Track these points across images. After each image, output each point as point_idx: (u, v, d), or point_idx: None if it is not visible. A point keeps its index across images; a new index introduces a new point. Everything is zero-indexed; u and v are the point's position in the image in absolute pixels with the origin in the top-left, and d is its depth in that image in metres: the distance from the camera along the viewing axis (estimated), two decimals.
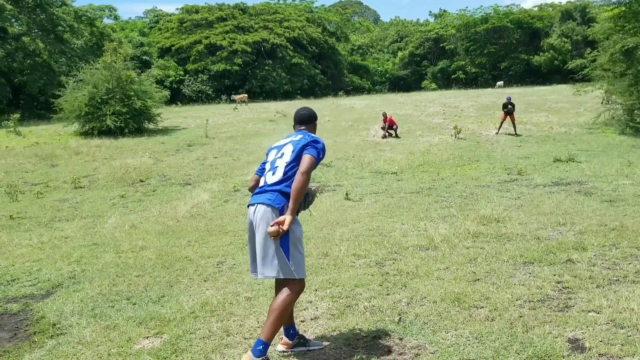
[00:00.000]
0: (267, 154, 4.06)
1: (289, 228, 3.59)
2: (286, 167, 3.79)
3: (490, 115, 24.69)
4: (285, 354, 3.97)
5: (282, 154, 3.88)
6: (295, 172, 3.71)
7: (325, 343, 4.06)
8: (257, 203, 3.74)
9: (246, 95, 42.12)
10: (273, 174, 3.82)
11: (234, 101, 40.41)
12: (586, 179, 10.67)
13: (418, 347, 3.90)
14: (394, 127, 19.91)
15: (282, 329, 3.95)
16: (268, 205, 3.68)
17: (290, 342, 4.01)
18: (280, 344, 4.02)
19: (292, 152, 3.83)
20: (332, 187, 11.45)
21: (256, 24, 56.86)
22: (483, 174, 12.00)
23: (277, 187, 3.74)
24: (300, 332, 4.13)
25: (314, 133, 4.11)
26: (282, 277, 3.67)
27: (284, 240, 3.64)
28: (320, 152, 3.82)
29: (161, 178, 13.69)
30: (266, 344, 3.62)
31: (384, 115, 20.23)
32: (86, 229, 8.75)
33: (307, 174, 3.66)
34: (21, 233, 8.62)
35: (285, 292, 3.68)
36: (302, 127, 4.10)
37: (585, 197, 8.91)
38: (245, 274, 5.86)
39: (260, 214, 3.69)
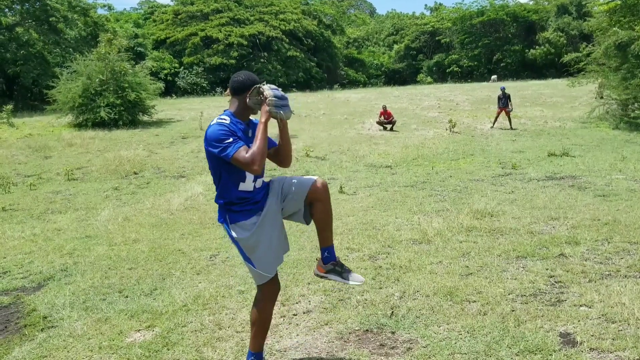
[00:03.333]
0: None
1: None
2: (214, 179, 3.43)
3: (485, 109, 24.70)
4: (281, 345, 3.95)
5: None
6: (219, 183, 3.36)
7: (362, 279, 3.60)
8: None
9: None
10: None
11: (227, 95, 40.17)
12: (580, 173, 10.68)
13: (410, 341, 3.90)
14: (392, 119, 19.91)
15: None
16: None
17: (324, 266, 3.59)
18: (316, 267, 3.65)
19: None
20: (326, 180, 11.43)
21: (252, 16, 56.56)
22: (477, 168, 12.00)
23: (218, 200, 3.45)
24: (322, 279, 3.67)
25: (247, 108, 3.40)
26: (258, 283, 3.48)
27: (241, 252, 3.45)
28: (219, 148, 3.19)
29: (155, 170, 13.63)
30: (257, 354, 3.51)
31: (383, 107, 20.23)
32: (79, 221, 8.70)
33: (248, 164, 3.14)
34: (13, 225, 8.57)
35: (256, 300, 3.48)
36: (234, 98, 3.43)
37: (579, 192, 8.92)
38: (238, 267, 5.84)
39: None
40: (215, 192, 3.46)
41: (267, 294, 3.46)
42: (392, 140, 17.33)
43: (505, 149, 14.85)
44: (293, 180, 3.50)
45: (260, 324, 3.45)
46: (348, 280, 3.55)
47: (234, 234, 3.39)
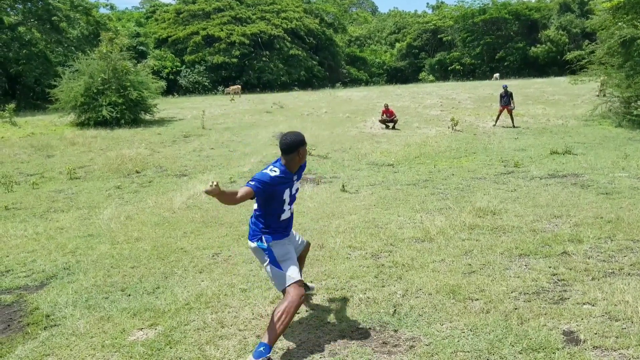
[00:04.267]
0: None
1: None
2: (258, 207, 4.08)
3: (487, 107, 24.67)
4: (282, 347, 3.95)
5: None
6: (263, 213, 3.98)
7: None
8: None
9: (239, 86, 41.10)
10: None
11: (227, 94, 40.32)
12: (582, 171, 10.66)
13: (413, 339, 3.89)
14: (394, 118, 19.87)
15: None
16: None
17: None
18: None
19: None
20: (328, 178, 11.43)
21: (253, 14, 56.59)
22: (480, 166, 11.98)
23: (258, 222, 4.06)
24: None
25: (294, 163, 3.98)
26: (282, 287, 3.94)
27: (272, 259, 3.94)
28: (256, 181, 3.77)
29: (157, 169, 13.64)
30: (267, 346, 3.62)
31: (385, 106, 20.20)
32: (81, 219, 8.71)
33: (241, 199, 3.69)
34: (16, 224, 8.58)
35: (288, 297, 3.77)
36: (283, 156, 4.00)
37: (582, 190, 8.89)
38: (240, 265, 5.85)
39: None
40: (256, 215, 4.03)
41: (298, 295, 3.80)
42: (394, 139, 17.31)
43: (508, 147, 14.82)
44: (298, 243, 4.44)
45: (286, 322, 3.70)
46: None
47: (267, 245, 3.97)
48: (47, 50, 37.26)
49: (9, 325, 4.65)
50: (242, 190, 3.69)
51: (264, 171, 3.88)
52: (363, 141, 16.95)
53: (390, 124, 19.91)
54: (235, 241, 6.89)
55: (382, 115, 20.09)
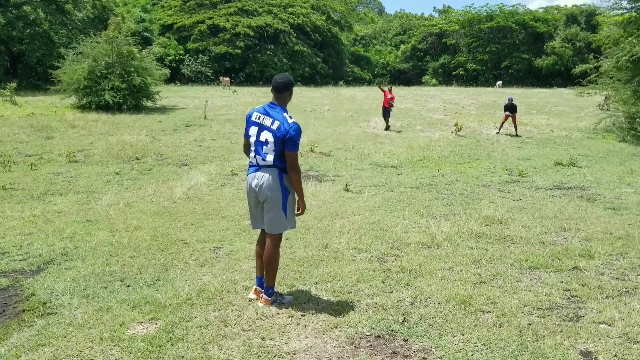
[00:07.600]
0: (248, 124, 4.59)
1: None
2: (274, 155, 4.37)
3: (490, 114, 24.55)
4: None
5: (266, 141, 4.36)
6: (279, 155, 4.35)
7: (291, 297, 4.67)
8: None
9: (228, 79, 42.98)
10: (263, 159, 4.39)
11: (219, 82, 43.10)
12: (588, 184, 10.55)
13: (424, 350, 3.75)
14: (391, 101, 19.51)
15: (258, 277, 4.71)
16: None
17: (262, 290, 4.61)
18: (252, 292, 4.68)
19: (273, 142, 4.33)
20: (331, 176, 11.28)
21: (260, 7, 56.22)
22: (483, 173, 11.86)
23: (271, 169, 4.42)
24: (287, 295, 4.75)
25: (289, 100, 4.58)
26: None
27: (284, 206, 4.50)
28: (298, 143, 4.35)
29: (157, 157, 13.46)
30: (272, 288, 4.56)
31: (389, 89, 19.99)
32: (80, 204, 8.53)
33: (297, 169, 4.40)
34: (13, 204, 8.40)
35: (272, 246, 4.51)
36: (278, 96, 4.55)
37: (589, 203, 8.78)
38: (243, 262, 5.70)
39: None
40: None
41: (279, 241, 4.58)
42: (397, 140, 17.18)
43: (511, 155, 14.72)
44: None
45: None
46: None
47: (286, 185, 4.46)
48: (51, 31, 36.87)
49: (4, 311, 4.49)
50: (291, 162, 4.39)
51: (297, 126, 4.42)
52: (366, 141, 16.81)
53: (390, 121, 19.68)
54: (237, 235, 6.74)
55: (385, 95, 19.86)
